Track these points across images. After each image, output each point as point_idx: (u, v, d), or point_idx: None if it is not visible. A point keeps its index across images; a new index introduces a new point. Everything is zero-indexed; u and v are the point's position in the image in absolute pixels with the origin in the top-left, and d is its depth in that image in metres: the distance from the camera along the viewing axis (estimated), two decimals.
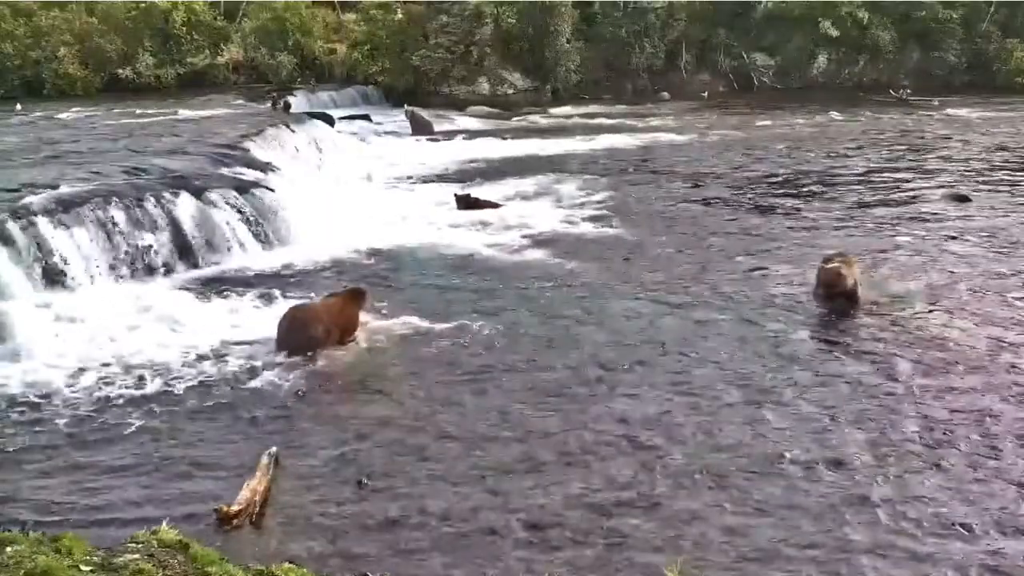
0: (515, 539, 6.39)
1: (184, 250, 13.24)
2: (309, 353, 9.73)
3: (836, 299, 10.54)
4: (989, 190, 18.36)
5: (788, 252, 13.77)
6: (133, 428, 8.25)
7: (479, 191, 18.23)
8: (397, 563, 6.10)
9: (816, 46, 40.57)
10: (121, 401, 8.79)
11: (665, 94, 38.45)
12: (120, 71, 36.93)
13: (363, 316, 10.53)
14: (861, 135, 26.71)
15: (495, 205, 17.32)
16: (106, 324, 10.63)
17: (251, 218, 14.38)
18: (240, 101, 31.24)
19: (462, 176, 21.15)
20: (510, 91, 37.58)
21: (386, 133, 28.67)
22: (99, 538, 5.48)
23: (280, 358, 9.76)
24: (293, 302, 11.56)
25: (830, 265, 10.56)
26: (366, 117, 31.47)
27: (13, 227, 11.43)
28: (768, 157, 23.04)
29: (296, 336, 9.87)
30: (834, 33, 39.12)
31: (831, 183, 19.47)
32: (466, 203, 17.14)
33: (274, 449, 7.49)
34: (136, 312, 11.12)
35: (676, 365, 9.45)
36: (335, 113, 30.11)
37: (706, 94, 38.71)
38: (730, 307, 11.17)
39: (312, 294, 11.85)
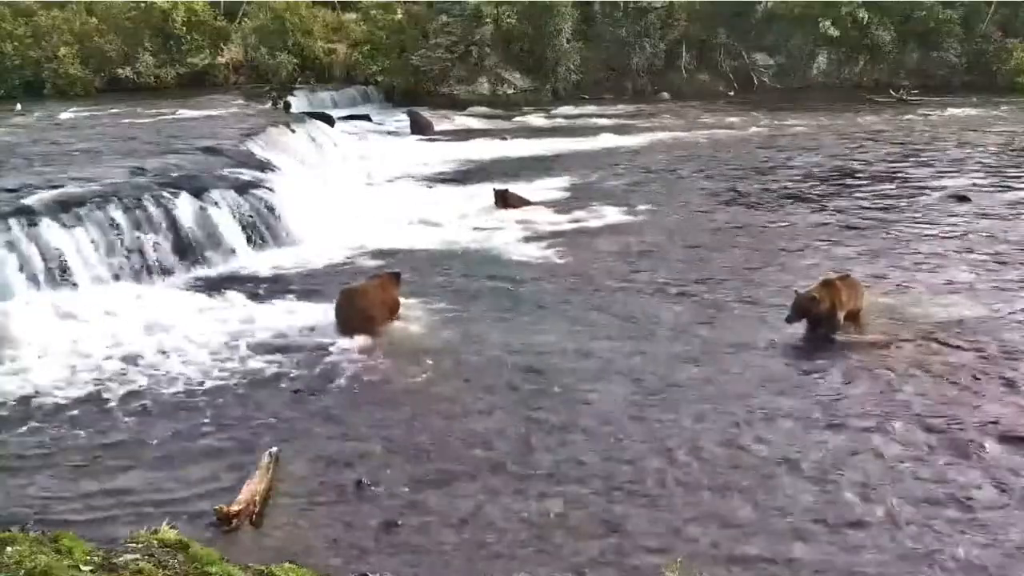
0: (515, 539, 6.38)
1: (184, 250, 13.22)
2: (367, 333, 10.17)
3: (814, 324, 10.11)
4: (989, 190, 18.36)
5: (803, 258, 13.76)
6: (132, 428, 8.25)
7: (481, 190, 18.24)
8: (397, 563, 6.10)
9: (816, 46, 40.56)
10: (120, 401, 8.78)
11: (665, 94, 38.45)
12: (120, 71, 36.92)
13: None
14: (861, 135, 26.70)
15: (528, 203, 17.33)
16: (105, 324, 10.64)
17: (251, 218, 14.37)
18: (240, 101, 31.23)
19: (463, 176, 21.15)
20: (510, 91, 37.57)
21: (386, 133, 28.67)
22: (99, 538, 5.48)
23: (277, 359, 9.80)
24: (294, 302, 11.63)
25: (804, 291, 10.16)
26: (366, 117, 31.49)
27: (13, 226, 11.43)
28: (770, 159, 23.03)
29: (355, 317, 10.32)
30: (834, 33, 39.11)
31: (832, 183, 19.47)
32: (504, 200, 17.09)
33: (274, 449, 7.49)
34: (135, 312, 11.10)
35: (686, 369, 9.45)
36: (335, 113, 30.12)
37: (733, 92, 38.71)
38: (738, 312, 11.18)
39: (313, 293, 11.88)
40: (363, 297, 10.54)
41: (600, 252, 14.10)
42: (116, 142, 18.85)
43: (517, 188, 17.90)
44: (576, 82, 38.44)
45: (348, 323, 10.35)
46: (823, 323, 10.10)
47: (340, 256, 14.09)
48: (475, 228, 15.82)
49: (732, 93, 38.64)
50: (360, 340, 10.12)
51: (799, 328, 10.19)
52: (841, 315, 10.12)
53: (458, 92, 36.99)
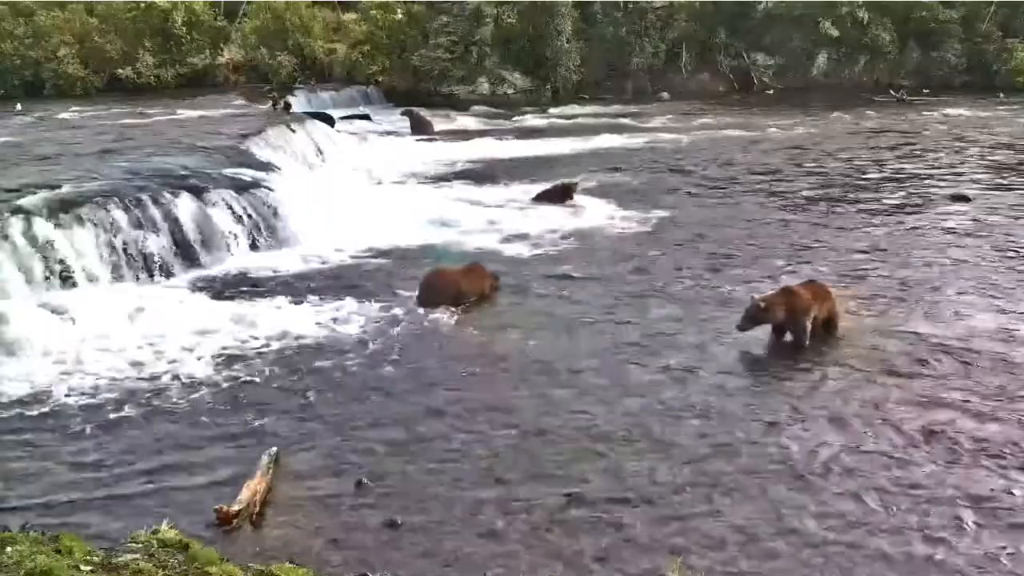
0: (515, 539, 6.38)
1: (184, 250, 13.21)
2: (444, 308, 11.15)
3: (778, 331, 9.80)
4: (990, 190, 18.37)
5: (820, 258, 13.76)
6: (131, 428, 8.24)
7: (482, 189, 18.21)
8: (397, 563, 6.10)
9: (816, 46, 40.60)
10: (119, 401, 8.77)
11: (665, 94, 38.47)
12: (120, 71, 36.95)
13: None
14: (861, 135, 26.72)
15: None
16: (104, 324, 10.61)
17: (251, 218, 14.37)
18: (240, 101, 31.21)
19: (463, 175, 21.13)
20: (510, 91, 37.59)
21: (386, 133, 28.67)
22: (99, 538, 5.49)
23: (276, 360, 9.79)
24: (294, 302, 11.66)
25: (757, 297, 9.81)
26: (366, 117, 31.49)
27: (13, 226, 11.42)
28: (771, 159, 23.03)
29: (433, 294, 11.40)
30: (834, 33, 39.17)
31: (832, 183, 19.48)
32: (566, 194, 17.40)
33: (274, 449, 7.49)
34: (134, 312, 11.08)
35: (686, 370, 9.46)
36: (335, 113, 30.11)
37: (776, 93, 38.67)
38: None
39: (313, 293, 11.89)
40: (441, 279, 11.56)
41: (606, 251, 14.10)
42: (116, 142, 18.83)
43: (521, 187, 17.89)
44: (576, 82, 38.46)
45: (420, 297, 11.49)
46: (790, 331, 9.71)
47: (340, 256, 14.07)
48: (477, 226, 15.81)
49: (774, 92, 38.63)
50: (367, 334, 10.24)
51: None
52: (806, 322, 9.61)
53: (458, 92, 37.01)
